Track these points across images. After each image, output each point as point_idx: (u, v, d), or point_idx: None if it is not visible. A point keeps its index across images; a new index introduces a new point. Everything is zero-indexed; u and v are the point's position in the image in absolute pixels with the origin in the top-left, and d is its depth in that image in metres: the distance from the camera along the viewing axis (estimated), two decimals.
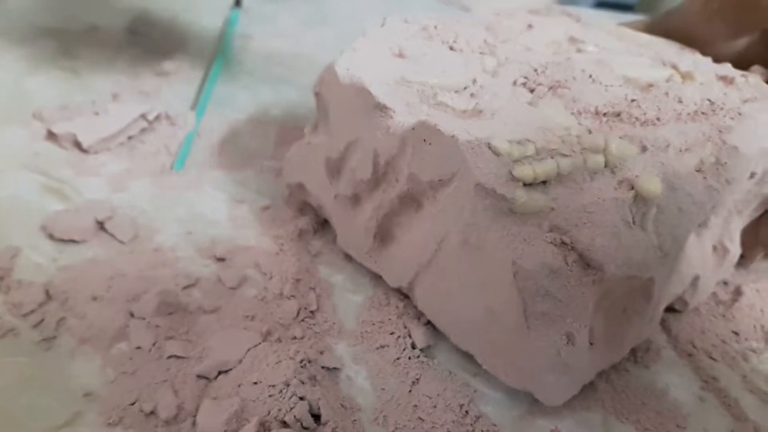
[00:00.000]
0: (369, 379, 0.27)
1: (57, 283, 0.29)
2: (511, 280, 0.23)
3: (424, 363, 0.27)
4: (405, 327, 0.28)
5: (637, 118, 0.26)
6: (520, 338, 0.24)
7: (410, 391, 0.26)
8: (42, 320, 0.27)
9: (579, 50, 0.31)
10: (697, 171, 0.25)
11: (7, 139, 0.36)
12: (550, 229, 0.23)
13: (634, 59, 0.31)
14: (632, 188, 0.23)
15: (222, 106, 0.42)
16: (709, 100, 0.28)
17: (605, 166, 0.24)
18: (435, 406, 0.26)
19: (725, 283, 0.33)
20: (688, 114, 0.27)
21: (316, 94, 0.30)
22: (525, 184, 0.23)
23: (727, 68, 0.31)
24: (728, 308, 0.32)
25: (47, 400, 0.24)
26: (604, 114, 0.26)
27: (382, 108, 0.26)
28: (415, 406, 0.26)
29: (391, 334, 0.28)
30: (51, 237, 0.31)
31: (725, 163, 0.25)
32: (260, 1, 0.54)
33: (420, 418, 0.25)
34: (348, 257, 0.32)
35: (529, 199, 0.22)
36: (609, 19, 0.38)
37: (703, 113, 0.27)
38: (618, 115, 0.26)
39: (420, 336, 0.28)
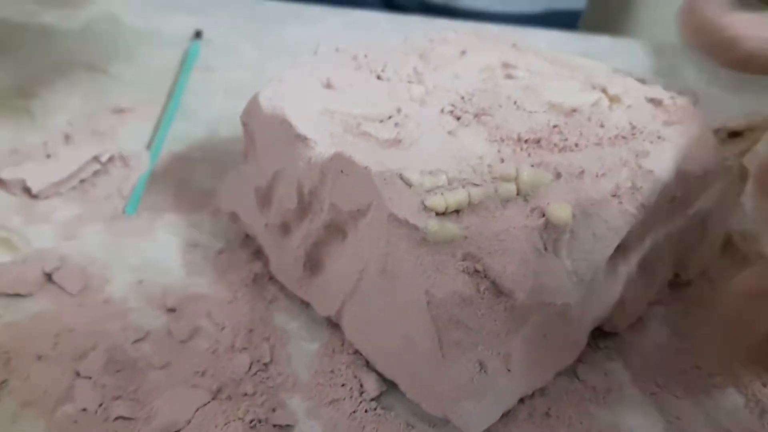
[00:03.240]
0: None
1: (0, 341, 0.28)
2: (425, 308, 0.23)
3: (381, 416, 0.26)
4: (355, 377, 0.28)
5: (555, 144, 0.27)
6: (436, 366, 0.24)
7: None
8: None
9: (510, 76, 0.32)
10: (613, 196, 0.25)
11: None
12: (463, 257, 0.23)
13: (563, 83, 0.31)
14: (543, 215, 0.24)
15: (179, 143, 0.41)
16: (631, 124, 0.28)
17: (518, 194, 0.25)
18: None
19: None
20: (609, 138, 0.28)
21: (244, 124, 0.31)
22: (438, 214, 0.23)
23: (657, 90, 0.32)
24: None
25: None
26: (525, 141, 0.27)
27: (302, 139, 0.26)
28: None
29: (343, 386, 0.27)
30: None
31: (641, 187, 0.26)
32: (221, 33, 0.54)
33: None
34: (305, 301, 0.31)
35: (441, 229, 0.23)
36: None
37: (623, 137, 0.28)
38: (538, 141, 0.27)
39: (372, 383, 0.27)
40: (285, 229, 0.30)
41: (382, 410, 0.27)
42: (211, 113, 0.44)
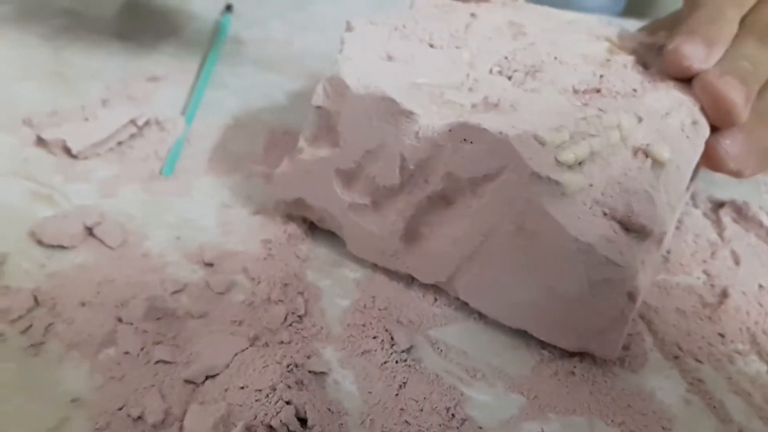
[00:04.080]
0: (356, 383, 0.27)
1: (45, 288, 0.29)
2: (574, 255, 0.25)
3: (411, 367, 0.27)
4: (386, 330, 0.29)
5: (617, 92, 0.28)
6: (584, 305, 0.26)
7: (397, 394, 0.26)
8: (30, 326, 0.27)
9: (522, 33, 0.33)
10: (681, 131, 0.27)
11: None
12: (592, 204, 0.25)
13: (574, 36, 0.33)
14: (647, 156, 0.26)
15: (212, 111, 0.42)
16: (654, 68, 0.31)
17: (620, 140, 0.26)
18: (421, 410, 0.26)
19: (712, 285, 0.33)
20: (649, 83, 0.29)
21: (318, 108, 0.30)
22: (567, 167, 0.25)
23: (640, 35, 0.34)
24: (714, 310, 0.32)
25: (35, 405, 0.25)
26: (584, 92, 0.28)
27: (407, 114, 0.27)
28: (402, 409, 0.26)
29: (374, 338, 0.28)
30: (40, 243, 0.31)
31: (699, 121, 0.28)
32: (251, 6, 0.54)
33: (406, 422, 0.25)
34: (336, 262, 0.32)
35: (576, 180, 0.25)
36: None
37: (662, 80, 0.29)
38: (598, 91, 0.28)
39: (402, 336, 0.28)
40: (374, 206, 0.30)
41: (413, 361, 0.28)
42: (241, 83, 0.45)
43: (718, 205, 0.38)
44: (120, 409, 0.25)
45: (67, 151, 0.36)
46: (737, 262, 0.35)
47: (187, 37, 0.49)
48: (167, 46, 0.48)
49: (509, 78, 0.29)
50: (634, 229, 0.26)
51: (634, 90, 0.28)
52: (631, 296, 0.26)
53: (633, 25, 0.55)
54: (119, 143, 0.37)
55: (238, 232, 0.33)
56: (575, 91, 0.28)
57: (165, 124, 0.39)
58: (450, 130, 0.26)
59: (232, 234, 0.33)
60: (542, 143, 0.25)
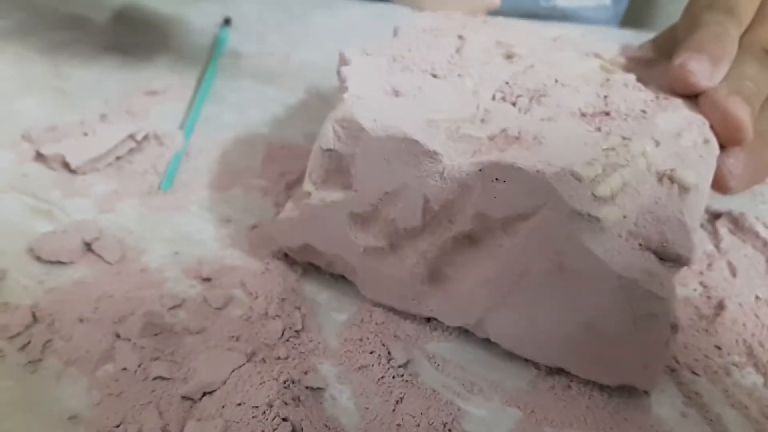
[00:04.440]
0: (353, 398, 0.27)
1: (44, 305, 0.29)
2: (617, 291, 0.25)
3: (408, 382, 0.27)
4: (383, 345, 0.29)
5: (626, 114, 0.28)
6: (627, 340, 0.26)
7: (394, 410, 0.26)
8: (28, 342, 0.27)
9: (512, 54, 0.33)
10: (694, 151, 0.27)
11: None
12: (627, 236, 0.25)
13: (565, 55, 0.33)
14: (672, 182, 0.26)
15: (210, 125, 0.42)
16: (652, 85, 0.30)
17: (646, 167, 0.26)
18: (418, 425, 0.26)
19: (708, 297, 0.34)
20: (652, 101, 0.29)
21: (329, 151, 0.28)
22: (603, 201, 0.25)
23: (630, 49, 0.34)
24: (711, 323, 0.32)
25: (33, 423, 0.25)
26: (591, 114, 0.28)
27: (431, 154, 0.26)
28: (399, 425, 0.26)
29: (371, 353, 0.28)
30: (38, 259, 0.31)
31: (710, 140, 0.28)
32: (249, 20, 0.55)
33: None
34: (333, 275, 0.32)
35: (613, 214, 0.24)
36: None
37: (665, 98, 0.29)
38: (607, 114, 0.28)
39: (399, 352, 0.28)
40: (392, 249, 0.29)
41: (410, 376, 0.28)
42: (239, 97, 0.45)
43: (715, 216, 0.38)
44: (118, 426, 0.25)
45: (66, 166, 0.36)
46: (734, 274, 0.35)
47: (185, 51, 0.50)
48: (165, 60, 0.48)
49: (513, 104, 0.29)
50: (669, 259, 0.25)
51: (643, 111, 0.28)
52: (674, 327, 0.26)
53: (630, 35, 0.56)
54: (118, 158, 0.38)
55: (235, 246, 0.33)
56: (583, 115, 0.28)
57: (163, 138, 0.39)
58: (481, 170, 0.25)
59: (229, 248, 0.33)
60: (579, 179, 0.24)
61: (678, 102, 0.29)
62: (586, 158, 0.25)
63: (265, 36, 0.53)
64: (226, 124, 0.42)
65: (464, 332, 0.30)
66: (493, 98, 0.29)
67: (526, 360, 0.29)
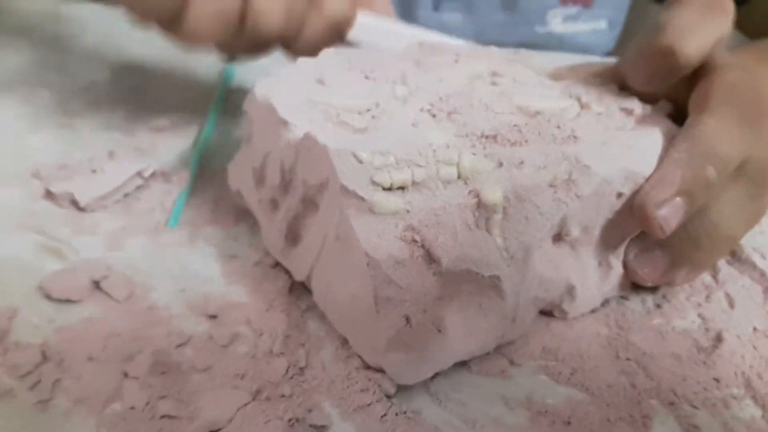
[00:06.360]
0: None
1: (53, 343, 0.29)
2: (365, 268, 0.26)
3: (411, 419, 0.28)
4: (378, 384, 0.29)
5: (508, 140, 0.30)
6: (372, 319, 0.27)
7: None
8: (38, 381, 0.28)
9: (495, 83, 0.35)
10: (550, 186, 0.29)
11: (6, 198, 0.37)
12: (404, 228, 0.27)
13: (541, 91, 0.34)
14: (477, 196, 0.27)
15: (216, 160, 0.43)
16: (590, 128, 0.32)
17: (458, 177, 0.28)
18: None
19: (706, 329, 0.34)
20: (561, 138, 0.30)
21: (244, 111, 0.35)
22: (384, 189, 0.27)
23: (632, 102, 0.34)
24: (709, 355, 0.32)
25: None
26: (486, 137, 0.30)
27: (283, 123, 0.30)
28: None
29: (364, 390, 0.29)
30: (48, 297, 0.32)
31: (576, 179, 0.29)
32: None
33: None
34: None
35: (384, 201, 0.26)
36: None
37: (575, 137, 0.30)
38: (495, 137, 0.30)
39: (387, 382, 0.29)
40: (273, 204, 0.33)
41: (412, 413, 0.28)
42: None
43: None
44: None
45: (75, 204, 0.37)
46: (731, 305, 0.36)
47: (191, 87, 0.51)
48: (172, 96, 0.49)
49: (433, 116, 0.31)
50: (434, 260, 0.27)
51: (526, 140, 0.30)
52: (408, 320, 0.27)
53: None
54: (126, 195, 0.39)
55: (241, 282, 0.34)
56: (480, 136, 0.30)
57: (170, 175, 0.40)
58: (302, 139, 0.29)
59: (235, 284, 0.34)
60: (360, 161, 0.27)
61: (586, 142, 0.30)
62: (385, 149, 0.27)
63: (270, 72, 0.54)
64: (232, 158, 0.43)
65: (462, 368, 0.31)
66: (421, 109, 0.32)
67: (528, 399, 0.30)
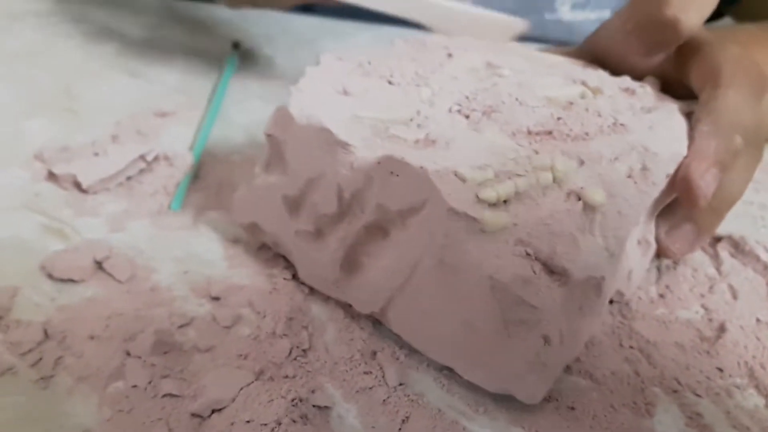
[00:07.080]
0: (359, 417, 0.27)
1: (55, 322, 0.29)
2: (488, 293, 0.25)
3: (414, 401, 0.28)
4: (380, 368, 0.29)
5: (567, 135, 0.29)
6: (500, 345, 0.26)
7: (400, 429, 0.27)
8: (40, 359, 0.28)
9: (497, 75, 0.34)
10: (628, 177, 0.28)
11: (9, 180, 0.37)
12: (515, 243, 0.25)
13: (548, 79, 0.34)
14: (579, 199, 0.26)
15: (219, 146, 0.43)
16: (621, 112, 0.31)
17: (553, 181, 0.27)
18: None
19: (710, 319, 0.34)
20: (608, 126, 0.30)
21: (268, 136, 0.31)
22: (490, 205, 0.25)
23: (626, 81, 0.34)
24: (712, 345, 0.32)
25: None
26: (537, 133, 0.29)
27: (343, 145, 0.28)
28: None
29: (367, 373, 0.29)
30: (50, 277, 0.31)
31: (650, 168, 0.29)
32: (258, 44, 0.56)
33: None
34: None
35: (496, 218, 0.25)
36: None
37: (621, 124, 0.30)
38: (550, 133, 0.29)
39: (392, 374, 0.28)
40: (318, 234, 0.31)
41: (415, 396, 0.28)
42: (248, 119, 0.46)
43: (716, 239, 0.39)
44: None
45: (78, 185, 0.37)
46: (735, 297, 0.36)
47: (194, 74, 0.50)
48: (176, 82, 0.49)
49: (467, 117, 0.30)
50: (556, 271, 0.25)
51: (586, 134, 0.29)
52: (547, 340, 0.26)
53: None
54: (128, 178, 0.38)
55: (244, 265, 0.34)
56: (529, 133, 0.29)
57: (173, 159, 0.40)
58: (378, 163, 0.27)
59: (238, 268, 0.34)
60: (463, 180, 0.25)
61: (634, 127, 0.30)
62: (481, 163, 0.26)
63: (273, 60, 0.54)
64: (235, 145, 0.43)
65: None
66: (450, 110, 0.31)
67: None
